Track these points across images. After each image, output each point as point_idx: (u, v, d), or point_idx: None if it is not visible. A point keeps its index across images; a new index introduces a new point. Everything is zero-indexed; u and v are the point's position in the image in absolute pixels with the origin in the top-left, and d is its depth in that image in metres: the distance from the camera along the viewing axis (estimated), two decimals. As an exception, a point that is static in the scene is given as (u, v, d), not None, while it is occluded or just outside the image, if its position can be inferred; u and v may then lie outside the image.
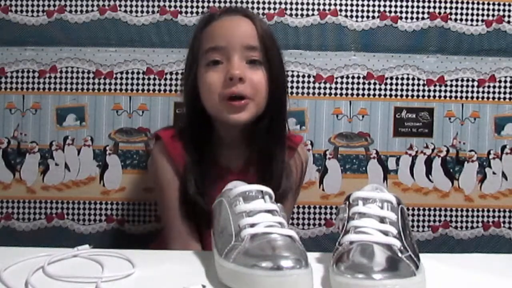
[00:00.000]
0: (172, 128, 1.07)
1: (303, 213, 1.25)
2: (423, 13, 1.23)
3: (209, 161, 0.96)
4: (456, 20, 1.24)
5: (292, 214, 1.22)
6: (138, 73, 1.21)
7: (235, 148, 0.99)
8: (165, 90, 1.22)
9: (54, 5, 1.20)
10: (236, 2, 1.21)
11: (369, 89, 1.24)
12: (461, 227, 1.27)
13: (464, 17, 1.23)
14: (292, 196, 1.02)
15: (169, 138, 0.97)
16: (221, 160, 0.99)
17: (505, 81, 1.25)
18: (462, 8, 1.23)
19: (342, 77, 1.23)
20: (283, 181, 0.95)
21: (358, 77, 1.23)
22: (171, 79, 1.21)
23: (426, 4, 1.23)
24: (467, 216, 1.27)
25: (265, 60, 0.94)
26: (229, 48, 0.92)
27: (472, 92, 1.25)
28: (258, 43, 0.93)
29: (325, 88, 1.23)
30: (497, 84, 1.25)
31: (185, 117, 1.00)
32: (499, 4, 1.24)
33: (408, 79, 1.24)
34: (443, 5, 1.23)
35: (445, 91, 1.25)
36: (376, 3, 1.23)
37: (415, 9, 1.23)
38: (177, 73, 1.21)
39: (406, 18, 1.23)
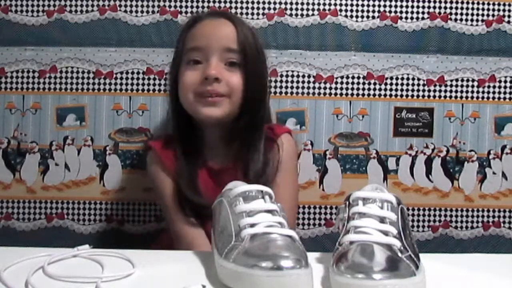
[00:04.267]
0: (164, 135, 1.10)
1: (303, 213, 1.25)
2: (423, 13, 1.23)
3: (196, 161, 1.00)
4: (456, 20, 1.23)
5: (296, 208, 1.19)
6: (138, 73, 1.21)
7: (216, 147, 1.02)
8: (165, 90, 1.21)
9: (54, 5, 1.20)
10: (237, 2, 1.20)
11: (369, 89, 1.24)
12: (461, 227, 1.27)
13: (464, 17, 1.23)
14: (284, 181, 1.00)
15: (161, 148, 1.02)
16: (209, 160, 1.01)
17: (505, 81, 1.25)
18: (462, 8, 1.23)
19: (342, 77, 1.23)
20: (263, 175, 0.96)
21: (358, 77, 1.23)
22: (171, 79, 1.21)
23: (426, 4, 1.23)
24: (467, 216, 1.27)
25: (244, 63, 0.96)
26: (208, 49, 0.96)
27: (472, 92, 1.25)
28: (238, 46, 0.96)
29: (325, 88, 1.23)
30: (497, 84, 1.25)
31: (170, 118, 1.05)
32: (499, 4, 1.24)
33: (408, 79, 1.24)
34: (443, 5, 1.23)
35: (445, 91, 1.25)
36: (376, 3, 1.23)
37: (415, 9, 1.23)
38: (177, 73, 1.21)
39: (406, 18, 1.23)
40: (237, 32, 0.97)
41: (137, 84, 1.22)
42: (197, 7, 1.21)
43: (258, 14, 1.21)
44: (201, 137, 1.02)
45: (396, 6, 1.23)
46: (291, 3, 1.22)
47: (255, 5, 1.21)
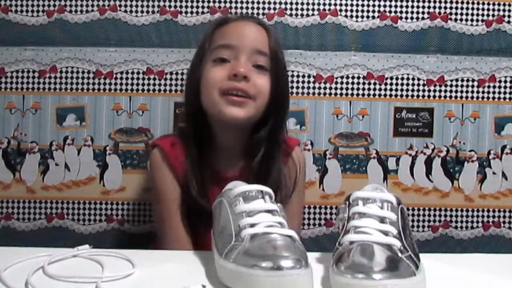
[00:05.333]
0: (170, 135, 1.06)
1: (303, 213, 1.25)
2: (423, 13, 1.23)
3: (208, 166, 0.96)
4: (456, 20, 1.24)
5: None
6: (138, 73, 1.21)
7: (231, 155, 0.99)
8: (165, 90, 1.22)
9: (54, 5, 1.20)
10: (237, 2, 1.21)
11: (369, 89, 1.24)
12: (461, 227, 1.27)
13: (464, 17, 1.23)
14: (297, 198, 1.02)
15: (169, 147, 0.97)
16: (217, 166, 0.99)
17: (505, 81, 1.25)
18: (462, 8, 1.23)
19: (342, 77, 1.23)
20: (280, 188, 0.95)
21: (358, 77, 1.23)
22: (171, 79, 1.22)
23: (426, 4, 1.23)
24: (467, 216, 1.27)
25: (271, 69, 0.95)
26: (239, 48, 0.93)
27: (472, 92, 1.25)
28: (268, 50, 0.95)
29: (325, 88, 1.23)
30: (497, 84, 1.25)
31: (185, 118, 1.01)
32: (499, 4, 1.24)
33: (408, 79, 1.24)
34: (443, 5, 1.23)
35: (445, 91, 1.25)
36: (376, 3, 1.23)
37: (415, 9, 1.23)
38: (177, 73, 1.21)
39: (406, 18, 1.23)
40: (269, 36, 0.96)
41: (137, 84, 1.22)
42: (197, 7, 1.21)
43: (258, 14, 1.21)
44: (214, 142, 0.98)
45: (396, 6, 1.23)
46: (291, 3, 1.22)
47: (255, 5, 1.21)
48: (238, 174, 0.97)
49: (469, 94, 1.25)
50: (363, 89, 1.24)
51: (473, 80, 1.25)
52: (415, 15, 1.23)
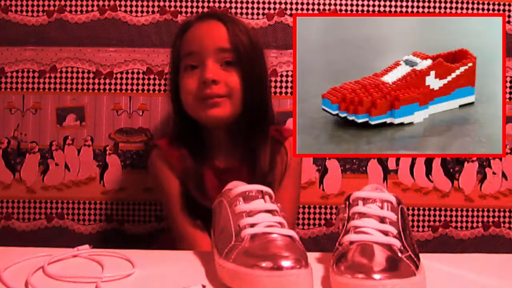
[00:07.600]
0: (166, 135, 1.08)
1: (303, 213, 1.25)
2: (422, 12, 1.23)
3: (203, 161, 0.99)
4: (456, 20, 1.23)
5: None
6: (138, 73, 1.22)
7: (222, 147, 1.01)
8: (165, 90, 1.22)
9: (54, 5, 1.20)
10: (237, 2, 1.20)
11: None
12: (461, 227, 1.27)
13: (464, 17, 1.24)
14: (291, 182, 1.02)
15: (166, 146, 1.01)
16: (212, 159, 1.01)
17: (505, 81, 1.25)
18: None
19: (342, 77, 1.23)
20: (269, 176, 0.96)
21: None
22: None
23: (426, 4, 1.23)
24: (467, 216, 1.27)
25: (238, 62, 0.96)
26: (202, 52, 0.95)
27: (472, 92, 1.25)
28: (230, 45, 0.96)
29: (325, 88, 1.23)
30: (497, 84, 1.25)
31: (173, 118, 1.04)
32: (499, 4, 1.24)
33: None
34: (443, 5, 1.23)
35: (445, 91, 1.25)
36: (376, 3, 1.23)
37: (409, 9, 1.23)
38: (177, 73, 1.21)
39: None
40: (228, 31, 0.96)
41: (137, 84, 1.22)
42: (197, 7, 1.21)
43: (258, 14, 1.21)
44: (206, 137, 1.01)
45: (391, 6, 1.23)
46: (291, 3, 1.22)
47: (255, 5, 1.21)
48: (231, 166, 1.00)
49: (469, 94, 1.25)
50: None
51: (473, 80, 1.25)
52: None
